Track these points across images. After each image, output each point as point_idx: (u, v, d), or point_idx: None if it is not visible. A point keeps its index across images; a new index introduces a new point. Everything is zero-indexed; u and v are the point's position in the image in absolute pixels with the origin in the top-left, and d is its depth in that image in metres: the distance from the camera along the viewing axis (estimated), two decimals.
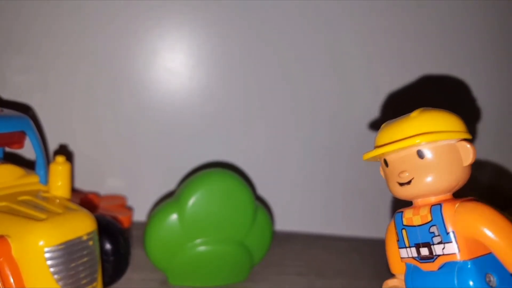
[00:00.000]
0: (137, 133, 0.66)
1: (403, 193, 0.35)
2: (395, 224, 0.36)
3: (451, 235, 0.32)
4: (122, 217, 0.58)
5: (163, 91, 0.66)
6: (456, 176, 0.34)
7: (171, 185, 0.65)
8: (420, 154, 0.34)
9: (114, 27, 0.64)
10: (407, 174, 0.34)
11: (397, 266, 0.36)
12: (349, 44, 0.66)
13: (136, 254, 0.53)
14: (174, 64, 0.65)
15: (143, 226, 0.52)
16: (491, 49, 0.67)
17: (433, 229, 0.33)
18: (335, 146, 0.68)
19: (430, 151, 0.34)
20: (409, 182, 0.34)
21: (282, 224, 0.68)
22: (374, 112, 0.67)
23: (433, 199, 0.34)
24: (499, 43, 0.67)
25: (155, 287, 0.51)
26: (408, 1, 0.65)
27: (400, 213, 0.35)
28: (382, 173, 0.38)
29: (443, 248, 0.33)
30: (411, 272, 0.35)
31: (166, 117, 0.66)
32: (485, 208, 0.33)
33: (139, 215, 0.66)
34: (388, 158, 0.35)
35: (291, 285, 0.53)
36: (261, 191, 0.67)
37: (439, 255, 0.33)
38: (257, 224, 0.52)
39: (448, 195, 0.35)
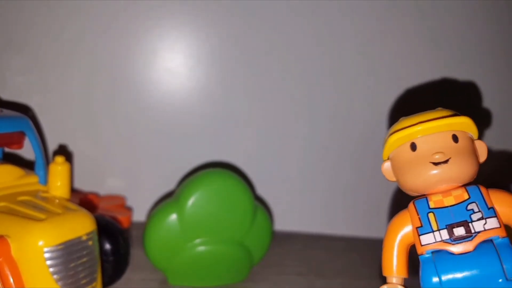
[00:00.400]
0: (136, 133, 0.66)
1: (436, 173, 0.34)
2: (416, 210, 0.34)
3: (493, 210, 0.32)
4: (121, 217, 0.58)
5: (162, 91, 0.66)
6: (477, 168, 0.34)
7: (170, 185, 0.65)
8: (454, 138, 0.34)
9: (114, 28, 0.64)
10: (442, 154, 0.34)
11: (396, 267, 0.35)
12: (350, 44, 0.66)
13: (135, 254, 0.53)
14: (174, 64, 0.65)
15: (143, 226, 0.52)
16: (492, 51, 0.67)
17: (472, 206, 0.33)
18: (335, 146, 0.68)
19: (463, 138, 0.34)
20: (446, 161, 0.33)
21: (282, 224, 0.68)
22: (375, 112, 0.67)
23: (457, 186, 0.34)
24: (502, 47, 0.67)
25: (154, 287, 0.51)
26: (408, 1, 0.65)
27: (424, 199, 0.34)
28: (387, 169, 0.37)
29: (485, 224, 0.32)
30: (435, 260, 0.32)
31: (165, 117, 0.66)
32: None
33: (139, 215, 0.66)
34: (418, 140, 0.35)
35: (291, 285, 0.53)
36: (261, 191, 0.67)
37: (478, 232, 0.32)
38: (256, 224, 0.52)
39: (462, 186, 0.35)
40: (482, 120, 0.66)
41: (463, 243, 0.32)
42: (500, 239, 0.32)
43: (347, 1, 0.65)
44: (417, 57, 0.67)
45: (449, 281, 0.32)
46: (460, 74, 0.67)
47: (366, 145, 0.68)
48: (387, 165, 0.37)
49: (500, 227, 0.32)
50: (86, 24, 0.64)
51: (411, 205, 0.35)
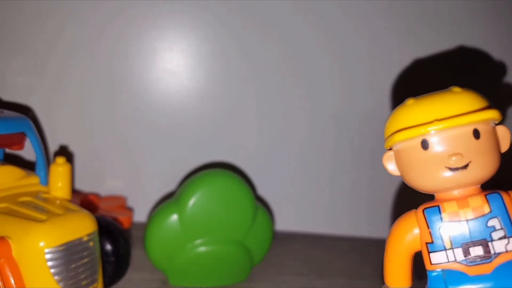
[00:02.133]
0: (137, 133, 0.66)
1: (452, 179, 0.29)
2: (426, 222, 0.29)
3: None
4: (122, 217, 0.58)
5: (162, 92, 0.66)
6: (499, 164, 0.30)
7: (171, 186, 0.65)
8: (476, 134, 0.29)
9: (114, 28, 0.64)
10: (461, 156, 0.28)
11: (399, 278, 0.31)
12: (350, 44, 0.66)
13: (136, 255, 0.53)
14: (174, 64, 0.65)
15: (144, 227, 0.52)
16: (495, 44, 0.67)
17: (493, 222, 0.28)
18: (336, 146, 0.68)
19: (485, 131, 0.29)
20: (465, 167, 0.28)
21: (282, 224, 0.68)
22: (376, 112, 0.67)
23: (473, 189, 0.29)
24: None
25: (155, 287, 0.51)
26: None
27: (436, 208, 0.29)
28: (388, 163, 0.32)
29: (507, 244, 0.28)
30: (446, 281, 0.28)
31: (166, 117, 0.66)
32: None
33: (140, 216, 0.66)
34: (430, 138, 0.29)
35: (292, 285, 0.53)
36: (261, 191, 0.67)
37: (499, 253, 0.28)
38: (257, 224, 0.52)
39: (479, 186, 0.30)
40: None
41: (480, 265, 0.28)
42: None
43: (347, 1, 0.65)
44: (417, 55, 0.67)
45: None
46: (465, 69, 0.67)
47: (367, 145, 0.68)
48: (389, 156, 0.32)
49: None
50: (86, 24, 0.64)
51: (420, 214, 0.30)
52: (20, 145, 0.47)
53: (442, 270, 0.29)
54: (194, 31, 0.65)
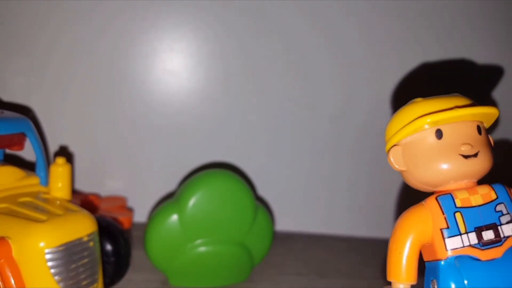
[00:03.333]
0: (137, 134, 0.66)
1: (464, 167, 0.30)
2: (441, 208, 0.30)
3: None
4: (122, 218, 0.58)
5: (162, 92, 0.66)
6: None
7: (171, 186, 0.65)
8: (479, 130, 0.31)
9: (113, 29, 0.64)
10: (471, 146, 0.31)
11: (407, 273, 0.30)
12: (351, 45, 0.66)
13: (136, 255, 0.53)
14: (173, 65, 0.65)
15: (144, 227, 0.52)
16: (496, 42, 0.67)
17: (501, 207, 0.30)
18: (336, 146, 0.68)
19: (483, 129, 0.32)
20: (475, 155, 0.31)
21: (283, 224, 0.68)
22: (375, 112, 0.67)
23: (471, 182, 0.31)
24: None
25: None
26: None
27: (449, 195, 0.30)
28: (398, 156, 0.32)
29: None
30: (459, 268, 0.29)
31: (166, 118, 0.66)
32: None
33: (140, 216, 0.66)
34: (446, 128, 0.31)
35: (291, 285, 0.53)
36: (261, 191, 0.67)
37: (508, 237, 0.29)
38: (257, 225, 0.52)
39: (475, 181, 0.32)
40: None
41: (492, 248, 0.29)
42: None
43: (347, 1, 0.65)
44: (418, 53, 0.66)
45: None
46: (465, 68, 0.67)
47: (367, 145, 0.68)
48: (396, 151, 0.33)
49: None
50: (86, 25, 0.64)
51: (433, 202, 0.31)
52: (20, 146, 0.47)
53: (455, 258, 0.29)
54: (194, 31, 0.65)
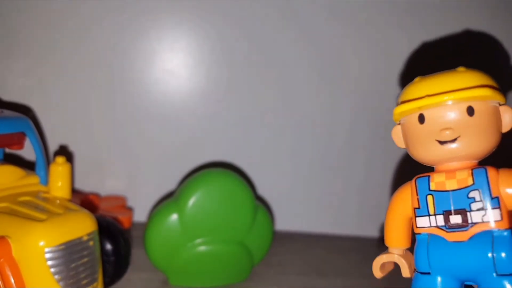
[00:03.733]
0: (136, 133, 0.66)
1: (441, 153, 0.31)
2: (416, 190, 0.33)
3: (496, 200, 0.30)
4: (122, 217, 0.58)
5: (162, 92, 0.66)
6: (496, 141, 0.32)
7: (171, 186, 0.65)
8: (470, 111, 0.31)
9: (113, 29, 0.64)
10: (451, 131, 0.31)
11: (400, 239, 0.34)
12: (352, 44, 0.66)
13: (136, 255, 0.53)
14: (173, 64, 0.65)
15: (143, 227, 0.52)
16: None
17: (474, 194, 0.30)
18: (336, 146, 0.68)
19: (481, 109, 0.31)
20: (453, 141, 0.31)
21: (282, 223, 0.68)
22: (376, 112, 0.67)
23: (470, 164, 0.32)
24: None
25: (155, 287, 0.51)
26: None
27: (426, 178, 0.32)
28: (396, 136, 0.34)
29: (484, 215, 0.30)
30: (429, 244, 0.32)
31: (165, 117, 0.66)
32: None
33: (139, 216, 0.66)
34: (427, 113, 0.32)
35: (292, 285, 0.53)
36: (261, 191, 0.67)
37: (475, 223, 0.30)
38: (257, 224, 0.52)
39: (475, 162, 0.32)
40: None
41: (458, 232, 0.31)
42: (499, 231, 0.30)
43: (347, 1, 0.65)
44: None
45: (438, 267, 0.31)
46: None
47: (367, 145, 0.68)
48: (397, 129, 0.34)
49: (502, 219, 0.30)
50: (85, 25, 0.64)
51: (413, 183, 0.33)
52: (20, 145, 0.47)
53: (428, 234, 0.32)
54: (194, 31, 0.65)
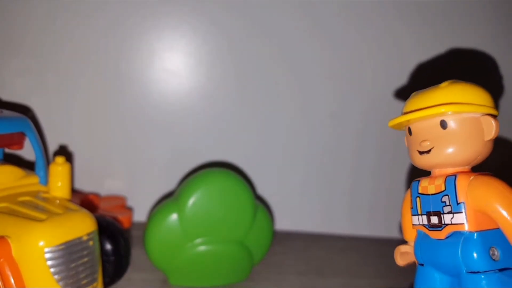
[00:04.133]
0: (136, 133, 0.66)
1: (421, 161, 0.36)
2: (411, 192, 0.37)
3: (461, 205, 0.33)
4: (122, 217, 0.58)
5: (162, 91, 0.66)
6: (476, 150, 0.34)
7: (171, 185, 0.65)
8: (443, 125, 0.34)
9: (112, 29, 0.64)
10: (428, 143, 0.35)
11: (409, 233, 0.38)
12: (353, 45, 0.66)
13: (136, 254, 0.53)
14: (173, 64, 0.65)
15: (143, 227, 0.52)
16: None
17: (445, 198, 0.34)
18: (335, 145, 0.68)
19: (454, 122, 0.34)
20: (428, 151, 0.35)
21: (282, 223, 0.68)
22: (374, 112, 0.67)
23: (450, 171, 0.35)
24: None
25: (155, 287, 0.51)
26: None
27: (417, 182, 0.36)
28: (406, 142, 0.38)
29: (452, 218, 0.34)
30: (421, 239, 0.36)
31: (165, 117, 0.66)
32: (499, 183, 0.33)
33: (139, 216, 0.66)
34: (412, 127, 0.36)
35: (292, 285, 0.53)
36: (261, 190, 0.67)
37: (447, 224, 0.34)
38: (257, 224, 0.52)
39: (466, 168, 0.35)
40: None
41: (437, 231, 0.35)
42: (466, 233, 0.33)
43: (347, 1, 0.65)
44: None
45: (426, 260, 0.36)
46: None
47: (366, 144, 0.68)
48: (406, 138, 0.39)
49: (467, 222, 0.33)
50: (85, 25, 0.64)
51: (410, 186, 0.37)
52: (20, 145, 0.47)
53: (422, 231, 0.36)
54: (193, 31, 0.65)
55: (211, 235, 0.50)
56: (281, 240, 0.64)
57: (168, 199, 0.53)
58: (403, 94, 0.67)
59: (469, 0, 0.66)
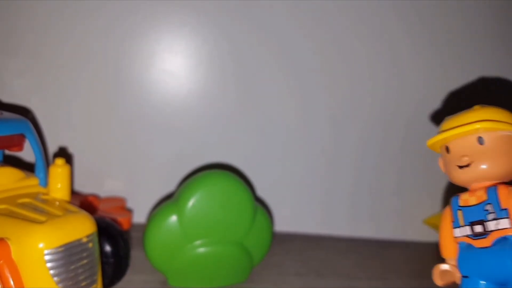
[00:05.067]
0: (136, 134, 0.66)
1: (461, 176, 0.38)
2: (451, 207, 0.39)
3: (506, 211, 0.35)
4: (121, 219, 0.58)
5: (161, 93, 0.66)
6: (509, 164, 0.37)
7: (170, 187, 0.65)
8: (480, 141, 0.37)
9: (112, 30, 0.64)
10: (466, 158, 0.37)
11: (449, 250, 0.39)
12: (352, 44, 0.66)
13: (136, 256, 0.53)
14: (173, 65, 0.65)
15: (143, 228, 0.52)
16: None
17: (488, 207, 0.36)
18: (335, 146, 0.68)
19: (490, 138, 0.37)
20: (468, 165, 0.37)
21: (282, 224, 0.68)
22: (374, 112, 0.67)
23: (488, 183, 0.37)
24: None
25: None
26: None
27: (457, 197, 0.39)
28: (441, 164, 0.40)
29: (497, 224, 0.36)
30: (464, 251, 0.37)
31: (165, 118, 0.66)
32: None
33: (139, 217, 0.66)
34: (450, 144, 0.39)
35: (291, 286, 0.53)
36: (261, 192, 0.67)
37: (492, 231, 0.36)
38: (256, 225, 0.52)
39: (500, 182, 0.37)
40: None
41: (481, 239, 0.36)
42: None
43: (346, 1, 0.65)
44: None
45: (471, 271, 0.37)
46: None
47: (366, 146, 0.68)
48: (441, 159, 0.41)
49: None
50: (84, 26, 0.64)
51: (449, 203, 0.39)
52: (19, 147, 0.47)
53: (464, 243, 0.38)
54: (193, 31, 0.65)
55: (210, 237, 0.50)
56: (281, 241, 0.64)
57: (167, 201, 0.53)
58: (404, 93, 0.67)
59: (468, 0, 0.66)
